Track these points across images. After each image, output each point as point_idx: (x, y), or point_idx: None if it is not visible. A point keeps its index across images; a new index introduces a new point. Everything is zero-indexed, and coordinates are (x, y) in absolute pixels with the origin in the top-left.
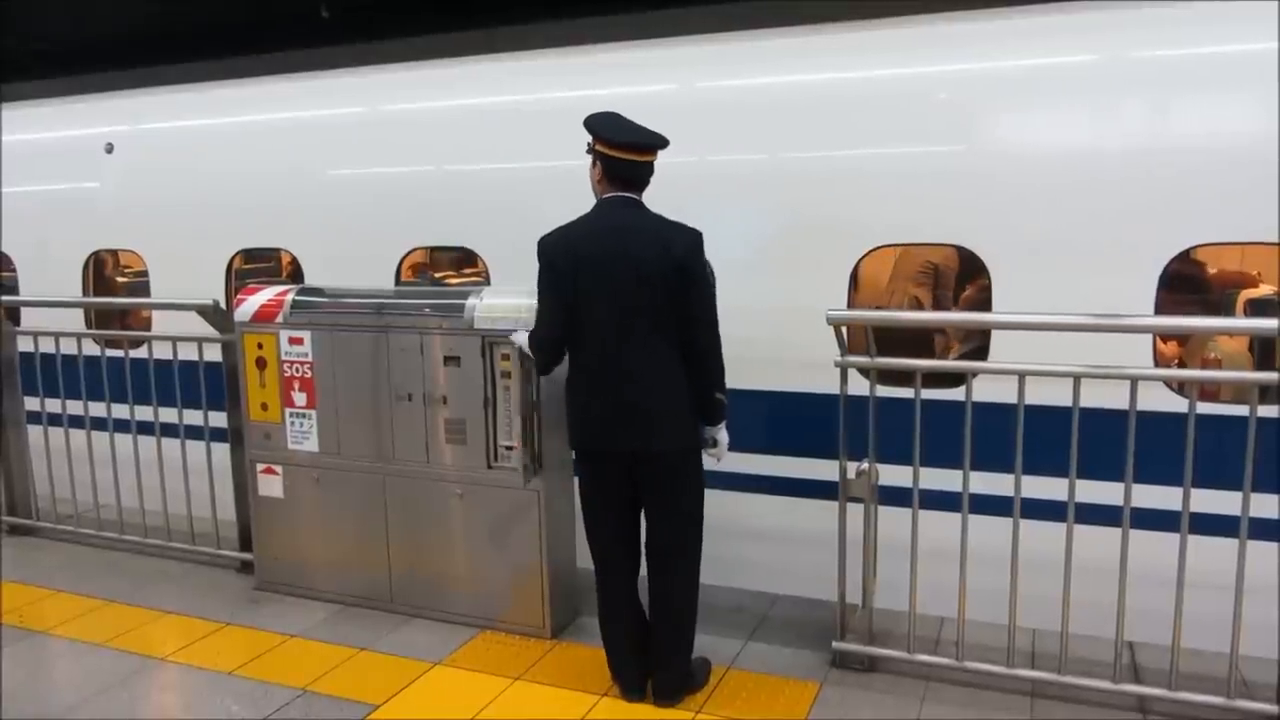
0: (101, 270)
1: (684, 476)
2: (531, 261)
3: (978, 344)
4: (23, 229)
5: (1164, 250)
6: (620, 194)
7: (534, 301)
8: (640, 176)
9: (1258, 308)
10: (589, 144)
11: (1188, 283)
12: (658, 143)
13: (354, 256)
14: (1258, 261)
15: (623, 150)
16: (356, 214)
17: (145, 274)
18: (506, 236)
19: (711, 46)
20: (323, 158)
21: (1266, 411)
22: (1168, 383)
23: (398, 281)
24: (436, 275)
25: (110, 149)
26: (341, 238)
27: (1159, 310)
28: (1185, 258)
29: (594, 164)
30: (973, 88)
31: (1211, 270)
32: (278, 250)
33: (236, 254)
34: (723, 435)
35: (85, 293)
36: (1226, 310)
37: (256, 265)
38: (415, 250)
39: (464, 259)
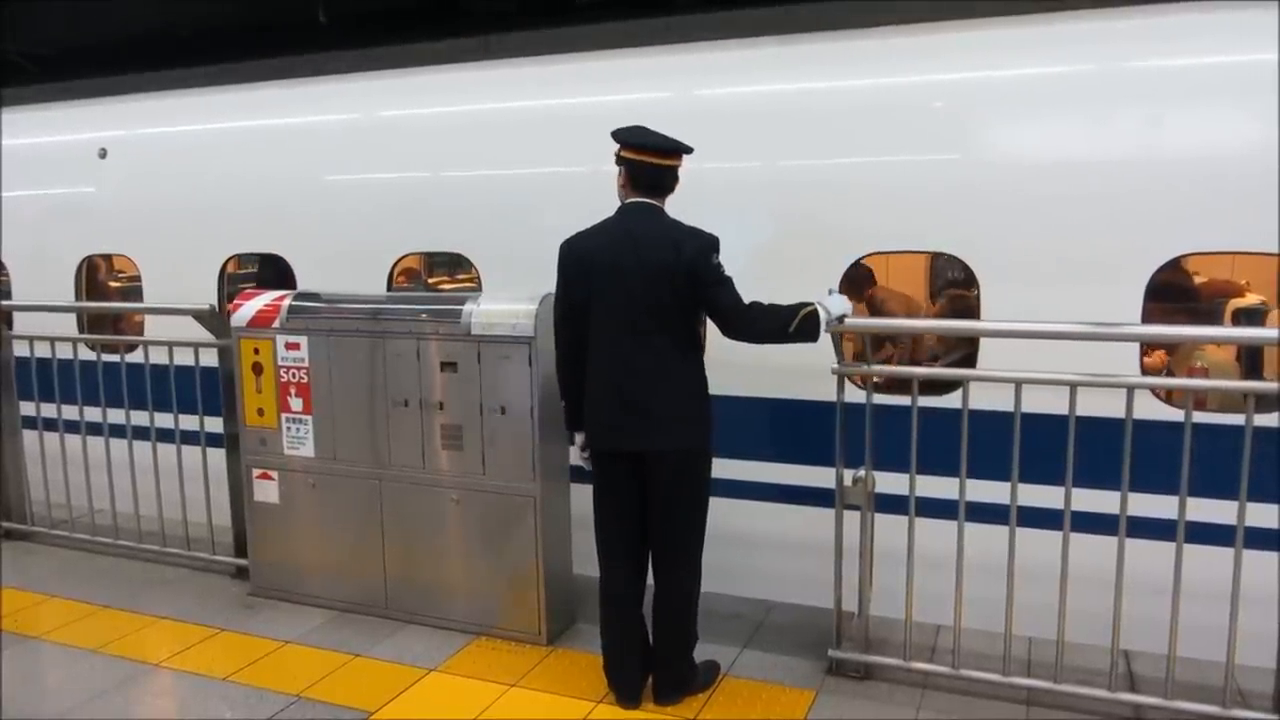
0: (95, 275)
1: (688, 478)
2: (523, 268)
3: (966, 351)
4: (16, 234)
5: (1151, 260)
6: (641, 199)
7: (531, 307)
8: (663, 182)
9: (1245, 317)
10: (617, 153)
11: (1175, 292)
12: (680, 148)
13: (346, 262)
14: (1245, 270)
15: (647, 154)
16: (348, 219)
17: (138, 278)
18: (498, 242)
19: (708, 54)
20: (315, 163)
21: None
22: (1154, 391)
23: (390, 287)
24: (431, 281)
25: (104, 154)
26: (334, 243)
27: (1146, 319)
28: (1172, 267)
29: (620, 171)
30: (964, 98)
31: (1199, 279)
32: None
33: (229, 259)
34: (835, 308)
35: (78, 297)
36: (1215, 320)
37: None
38: (407, 256)
39: (457, 265)
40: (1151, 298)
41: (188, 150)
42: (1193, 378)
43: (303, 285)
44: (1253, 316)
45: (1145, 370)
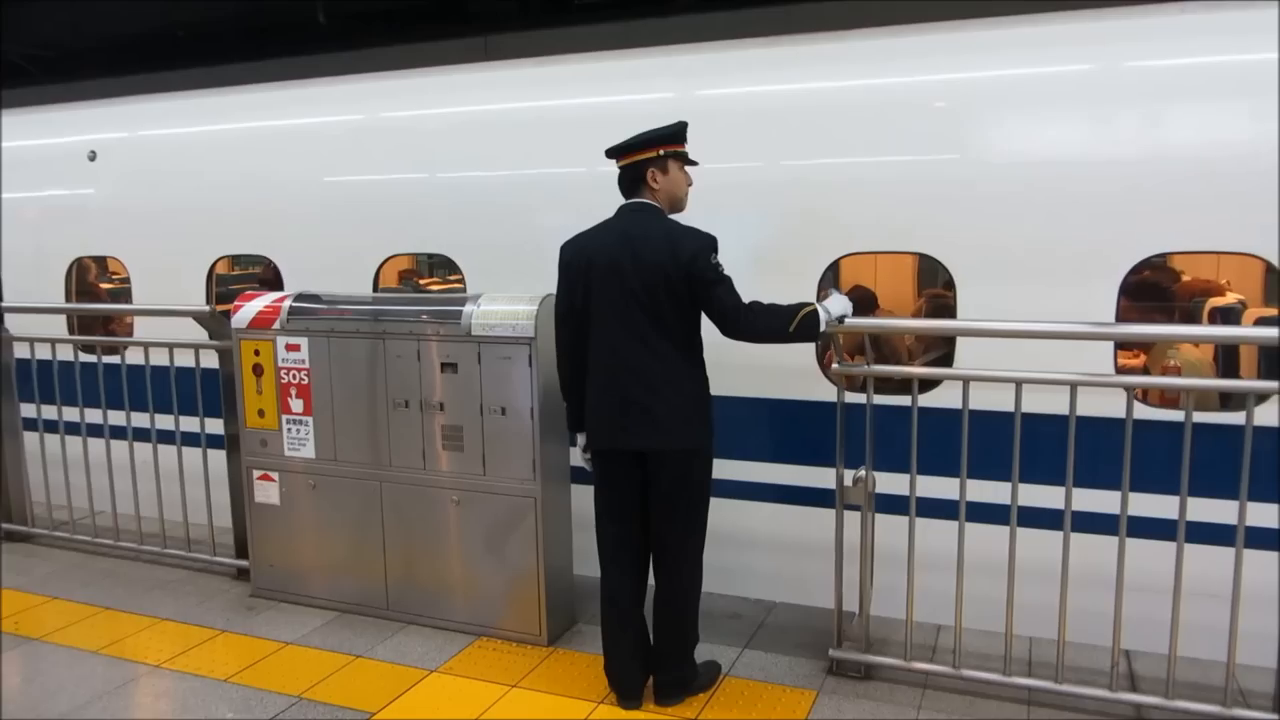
0: (85, 276)
1: (689, 478)
2: (510, 269)
3: (943, 351)
4: (6, 236)
5: (1124, 259)
6: (631, 200)
7: (532, 308)
8: (627, 181)
9: (1222, 316)
10: None
11: (1150, 291)
12: (617, 149)
13: (332, 262)
14: (1219, 269)
15: (615, 160)
16: (333, 221)
17: (126, 280)
18: (484, 244)
19: (706, 55)
20: (302, 165)
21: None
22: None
23: (375, 288)
24: (422, 282)
25: (93, 157)
26: (319, 244)
27: (1120, 318)
28: (1146, 267)
29: None
30: (941, 100)
31: (1175, 278)
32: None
33: (217, 260)
34: (834, 309)
35: (68, 299)
36: (1193, 318)
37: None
38: (393, 257)
39: (451, 267)
40: (1126, 297)
41: (176, 153)
42: (1167, 376)
43: (289, 285)
44: (1229, 315)
45: (1120, 369)
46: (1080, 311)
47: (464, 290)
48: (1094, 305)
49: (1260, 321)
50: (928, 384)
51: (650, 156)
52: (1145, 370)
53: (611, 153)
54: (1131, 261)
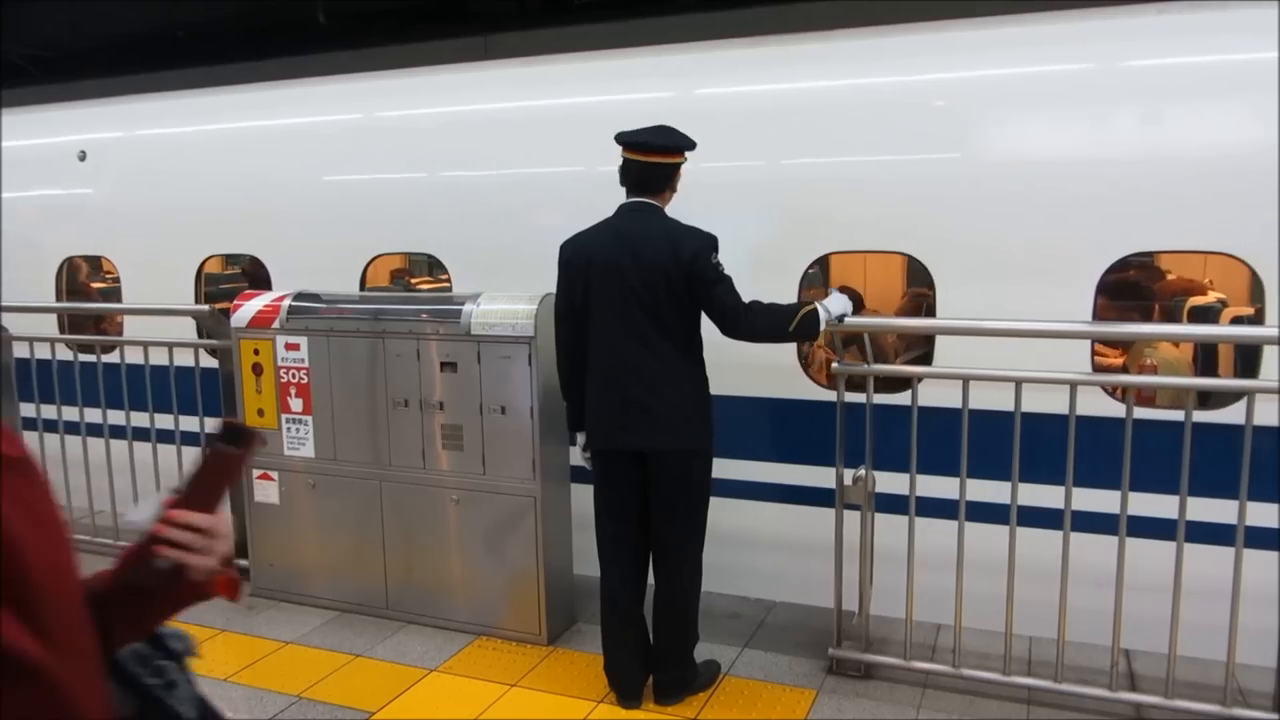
0: (75, 276)
1: (689, 478)
2: (497, 269)
3: (924, 349)
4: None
5: (1101, 258)
6: (635, 198)
7: (531, 307)
8: (647, 179)
9: (1200, 315)
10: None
11: (1128, 289)
12: (656, 145)
13: (319, 261)
14: (1197, 269)
15: (632, 151)
16: (321, 221)
17: (117, 279)
18: (470, 243)
19: (699, 55)
20: (291, 165)
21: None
22: (1105, 389)
23: (362, 287)
24: (413, 280)
25: (83, 157)
26: (307, 243)
27: (1097, 317)
28: (1124, 266)
29: None
30: (917, 98)
31: (1154, 277)
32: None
33: (206, 259)
34: (834, 308)
35: (58, 298)
36: (1174, 317)
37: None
38: (379, 256)
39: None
40: (1104, 295)
41: (167, 153)
42: (1144, 374)
43: (277, 285)
44: (1207, 314)
45: (1097, 367)
46: (1056, 310)
47: (449, 289)
48: (1071, 303)
49: (1236, 320)
50: (904, 382)
51: (682, 161)
52: (1124, 369)
53: (645, 147)
54: (1109, 261)
